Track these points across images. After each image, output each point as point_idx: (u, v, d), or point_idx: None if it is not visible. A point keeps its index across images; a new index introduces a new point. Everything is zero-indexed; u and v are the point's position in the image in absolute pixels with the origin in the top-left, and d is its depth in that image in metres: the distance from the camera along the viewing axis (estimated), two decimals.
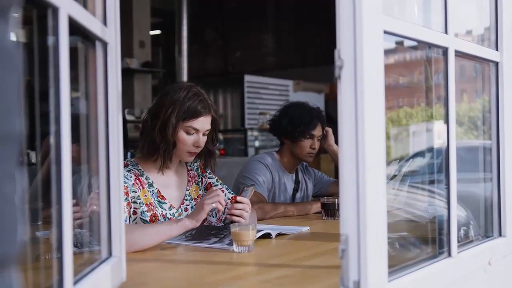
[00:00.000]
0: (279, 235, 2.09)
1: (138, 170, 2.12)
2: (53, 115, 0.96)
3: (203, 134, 2.13)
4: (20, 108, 0.54)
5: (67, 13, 0.99)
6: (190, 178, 2.27)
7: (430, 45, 1.48)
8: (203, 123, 2.11)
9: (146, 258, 1.78)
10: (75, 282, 1.05)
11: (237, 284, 1.46)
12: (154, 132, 2.07)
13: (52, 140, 0.97)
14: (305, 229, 2.26)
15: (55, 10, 0.96)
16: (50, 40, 0.98)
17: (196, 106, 2.08)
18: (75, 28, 1.07)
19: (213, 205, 1.90)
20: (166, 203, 2.13)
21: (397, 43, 1.37)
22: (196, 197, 2.26)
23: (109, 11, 1.32)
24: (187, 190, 2.24)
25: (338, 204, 2.55)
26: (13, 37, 0.55)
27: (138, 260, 1.70)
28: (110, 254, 1.32)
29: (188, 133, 2.09)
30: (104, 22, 1.30)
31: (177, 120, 2.06)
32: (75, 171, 1.04)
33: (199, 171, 2.31)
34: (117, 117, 1.33)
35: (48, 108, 0.97)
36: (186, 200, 2.22)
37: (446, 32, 1.44)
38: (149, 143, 2.10)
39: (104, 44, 1.30)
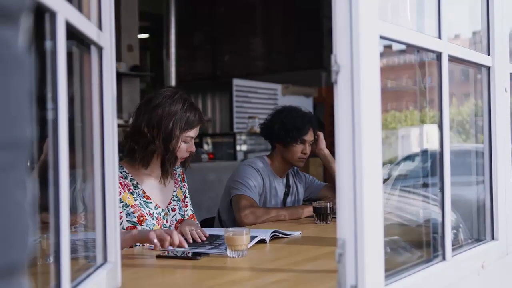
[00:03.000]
0: (274, 238, 2.09)
1: (121, 173, 2.15)
2: (51, 119, 0.95)
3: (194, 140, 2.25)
4: (30, 115, 0.54)
5: (64, 18, 0.98)
6: (176, 180, 2.35)
7: (425, 50, 1.49)
8: (197, 130, 2.23)
9: (141, 263, 1.77)
10: None
11: None
12: (155, 143, 2.12)
13: (50, 144, 0.96)
14: (297, 233, 2.26)
15: (53, 15, 0.95)
16: (47, 44, 0.97)
17: (194, 117, 2.19)
18: (71, 33, 1.06)
19: (155, 240, 1.81)
20: (151, 202, 2.19)
21: (385, 46, 1.37)
22: (181, 199, 2.33)
23: (104, 16, 1.31)
24: (174, 191, 2.31)
25: (330, 208, 2.56)
26: (22, 43, 0.55)
27: (134, 266, 1.69)
28: (105, 259, 1.31)
29: (185, 142, 2.19)
30: (99, 26, 1.30)
31: (180, 132, 2.15)
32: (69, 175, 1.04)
33: (180, 177, 2.38)
34: (112, 121, 1.32)
35: (44, 112, 0.96)
36: (174, 200, 2.29)
37: (439, 37, 1.45)
38: (149, 153, 2.14)
39: (100, 49, 1.29)
